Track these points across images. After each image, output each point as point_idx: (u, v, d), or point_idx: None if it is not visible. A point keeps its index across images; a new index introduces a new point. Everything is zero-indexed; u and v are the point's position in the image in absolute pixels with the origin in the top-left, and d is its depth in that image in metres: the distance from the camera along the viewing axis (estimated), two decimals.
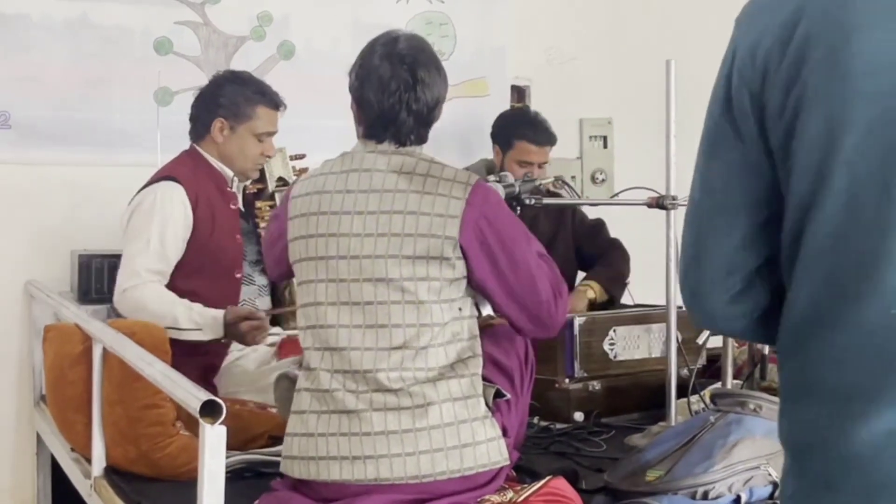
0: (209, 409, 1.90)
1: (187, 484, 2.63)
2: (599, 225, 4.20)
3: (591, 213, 4.27)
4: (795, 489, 1.29)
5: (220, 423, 1.90)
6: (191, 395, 1.99)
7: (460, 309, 2.37)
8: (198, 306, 3.13)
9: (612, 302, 3.97)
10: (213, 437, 1.91)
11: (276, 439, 2.94)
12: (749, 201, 1.38)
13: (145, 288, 3.13)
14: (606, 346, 3.39)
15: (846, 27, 1.21)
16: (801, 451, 1.28)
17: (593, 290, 3.91)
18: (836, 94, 1.22)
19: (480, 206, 2.33)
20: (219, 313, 3.11)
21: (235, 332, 3.12)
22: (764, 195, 1.36)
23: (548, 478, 2.40)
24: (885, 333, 1.18)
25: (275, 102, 3.42)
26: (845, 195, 1.21)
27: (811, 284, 1.26)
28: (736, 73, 1.34)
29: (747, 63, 1.32)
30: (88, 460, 2.94)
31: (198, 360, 3.15)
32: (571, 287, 4.03)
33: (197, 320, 3.10)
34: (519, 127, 4.02)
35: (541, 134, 4.05)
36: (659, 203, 3.11)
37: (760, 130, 1.33)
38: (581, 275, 4.18)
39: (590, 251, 4.16)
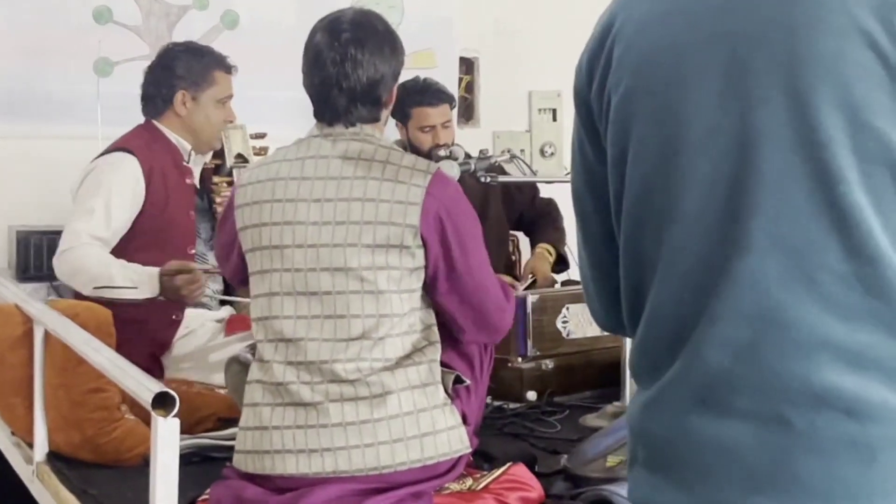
0: (162, 401, 1.84)
1: (133, 470, 2.61)
2: (536, 187, 4.22)
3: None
4: None
5: (174, 416, 1.84)
6: (142, 387, 1.92)
7: (419, 299, 2.31)
8: (134, 265, 3.07)
9: (563, 261, 4.07)
10: (166, 430, 1.85)
11: (224, 421, 2.91)
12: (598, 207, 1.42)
13: (84, 249, 3.07)
14: (559, 324, 3.36)
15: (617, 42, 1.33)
16: None
17: (551, 254, 4.02)
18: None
19: (440, 197, 2.27)
20: (154, 270, 3.04)
21: (171, 286, 3.03)
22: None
23: (507, 465, 2.37)
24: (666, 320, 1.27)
25: (227, 66, 3.41)
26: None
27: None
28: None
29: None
30: (30, 445, 2.85)
31: (146, 338, 3.10)
32: (507, 252, 4.24)
33: (132, 278, 3.04)
34: (410, 96, 3.94)
35: (433, 95, 3.98)
36: None
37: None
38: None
39: (530, 214, 4.23)
